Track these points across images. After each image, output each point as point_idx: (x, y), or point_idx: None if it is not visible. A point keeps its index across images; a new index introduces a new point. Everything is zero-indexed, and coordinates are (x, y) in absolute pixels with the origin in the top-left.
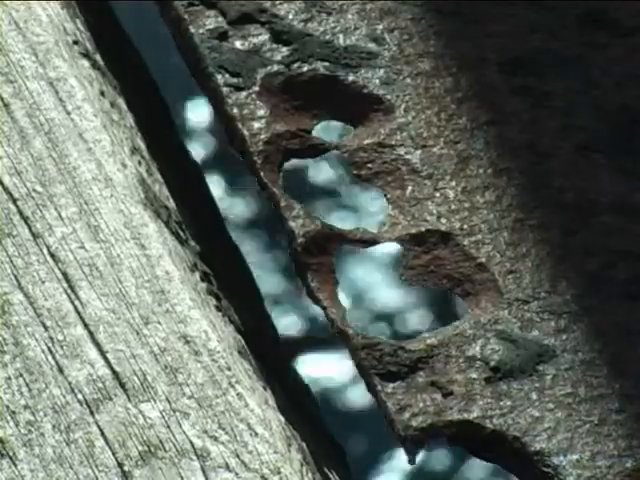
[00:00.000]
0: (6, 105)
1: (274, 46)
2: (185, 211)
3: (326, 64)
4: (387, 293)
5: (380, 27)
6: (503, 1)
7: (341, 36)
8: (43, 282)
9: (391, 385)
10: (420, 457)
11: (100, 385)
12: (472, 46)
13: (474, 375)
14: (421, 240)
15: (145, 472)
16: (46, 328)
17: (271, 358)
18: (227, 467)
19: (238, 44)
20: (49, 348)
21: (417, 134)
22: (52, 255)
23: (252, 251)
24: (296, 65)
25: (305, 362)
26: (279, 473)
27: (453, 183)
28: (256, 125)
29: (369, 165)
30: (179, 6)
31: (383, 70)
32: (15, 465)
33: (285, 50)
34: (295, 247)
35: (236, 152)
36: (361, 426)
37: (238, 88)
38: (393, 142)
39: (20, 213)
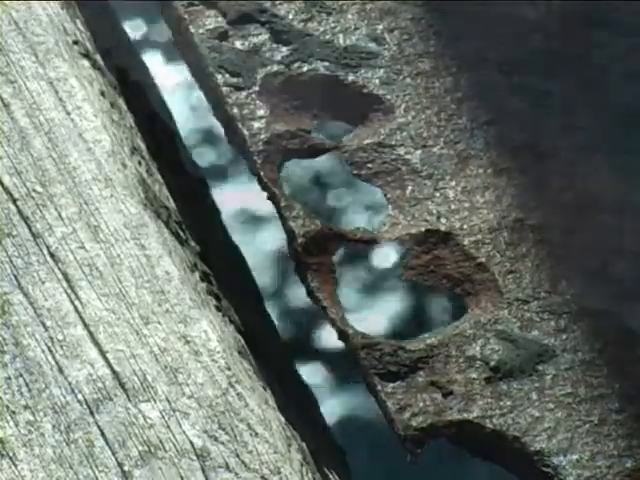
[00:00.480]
0: (6, 105)
1: (274, 46)
2: (185, 211)
3: (326, 64)
4: (388, 293)
5: (380, 27)
6: (503, 1)
7: (341, 36)
8: (43, 282)
9: (391, 385)
10: (420, 457)
11: (100, 385)
12: (472, 46)
13: (474, 375)
14: (421, 240)
15: (145, 472)
16: (46, 328)
17: (271, 358)
18: (227, 467)
19: (238, 44)
20: (49, 348)
21: (417, 134)
22: (52, 255)
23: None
24: (296, 65)
25: (305, 362)
26: (279, 473)
27: (453, 183)
28: (256, 125)
29: (369, 165)
30: (179, 6)
31: (383, 70)
32: (15, 465)
33: (285, 50)
34: (295, 247)
35: (236, 152)
36: (361, 425)
37: (238, 88)
38: (393, 142)
39: (20, 213)
